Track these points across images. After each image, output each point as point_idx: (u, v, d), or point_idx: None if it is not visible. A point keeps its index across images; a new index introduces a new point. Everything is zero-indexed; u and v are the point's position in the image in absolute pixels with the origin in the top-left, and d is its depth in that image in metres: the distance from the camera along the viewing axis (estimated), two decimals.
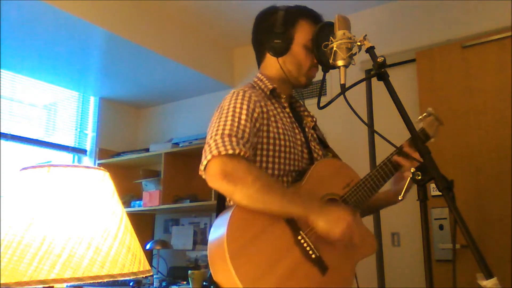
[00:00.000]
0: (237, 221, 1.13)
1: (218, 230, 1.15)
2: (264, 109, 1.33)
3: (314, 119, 1.55)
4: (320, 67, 1.46)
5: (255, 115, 1.29)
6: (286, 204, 1.17)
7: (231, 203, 1.28)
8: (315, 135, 1.50)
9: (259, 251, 1.11)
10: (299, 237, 1.18)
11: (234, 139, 1.19)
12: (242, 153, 1.17)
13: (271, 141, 1.32)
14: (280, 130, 1.34)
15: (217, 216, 1.26)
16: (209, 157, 1.16)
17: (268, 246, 1.13)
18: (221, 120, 1.25)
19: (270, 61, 1.48)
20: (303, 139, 1.41)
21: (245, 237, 1.12)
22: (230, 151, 1.15)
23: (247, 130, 1.24)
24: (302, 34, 1.44)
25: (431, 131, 1.44)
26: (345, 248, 1.26)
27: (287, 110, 1.45)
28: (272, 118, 1.34)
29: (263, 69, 1.51)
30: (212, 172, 1.15)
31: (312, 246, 1.19)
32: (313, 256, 1.18)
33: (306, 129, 1.48)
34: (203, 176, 1.20)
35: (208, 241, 1.17)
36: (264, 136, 1.31)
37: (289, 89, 1.51)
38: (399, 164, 1.38)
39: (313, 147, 1.45)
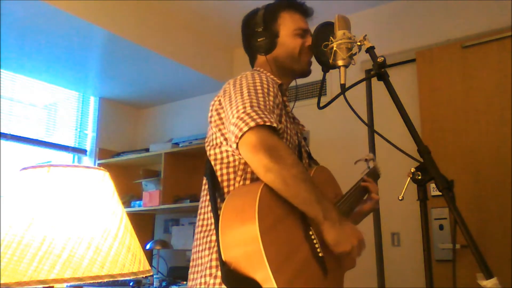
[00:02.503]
0: (266, 199, 1.05)
1: (244, 197, 1.07)
2: (280, 99, 1.30)
3: (304, 128, 1.53)
4: (320, 67, 1.46)
5: (276, 101, 1.25)
6: (312, 202, 1.11)
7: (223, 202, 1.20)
8: (303, 143, 1.47)
9: (280, 237, 1.05)
10: (310, 232, 1.15)
11: (273, 115, 1.13)
12: (281, 131, 1.11)
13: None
14: (284, 126, 1.30)
15: (216, 218, 1.18)
16: (252, 124, 1.06)
17: (285, 235, 1.08)
18: (251, 93, 1.16)
19: (261, 60, 1.45)
20: (296, 142, 1.39)
21: (272, 218, 1.05)
22: (274, 124, 1.08)
23: (275, 112, 1.19)
24: (286, 26, 1.43)
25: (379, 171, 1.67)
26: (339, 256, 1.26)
27: (288, 109, 1.41)
28: (283, 111, 1.31)
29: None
30: (254, 141, 1.05)
31: (319, 244, 1.16)
32: (320, 254, 1.15)
33: (299, 134, 1.45)
34: (233, 148, 1.11)
35: (226, 203, 1.09)
36: None
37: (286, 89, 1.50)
38: (367, 188, 1.51)
39: (303, 153, 1.42)
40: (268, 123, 1.07)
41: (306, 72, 1.48)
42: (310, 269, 1.11)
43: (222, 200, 1.22)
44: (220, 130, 1.26)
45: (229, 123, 1.14)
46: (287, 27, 1.44)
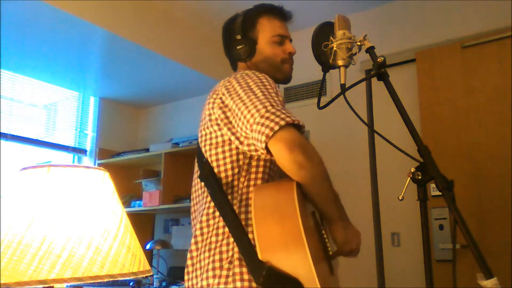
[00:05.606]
0: (298, 197, 1.06)
1: (278, 193, 1.07)
2: None
3: None
4: (320, 67, 1.46)
5: (280, 98, 1.26)
6: (332, 201, 1.16)
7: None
8: None
9: (313, 235, 1.08)
10: (323, 232, 1.19)
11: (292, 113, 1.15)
12: (303, 129, 1.13)
13: None
14: None
15: (232, 219, 1.16)
16: (282, 122, 1.08)
17: (312, 234, 1.09)
18: (265, 93, 1.17)
19: (242, 66, 1.46)
20: None
21: (305, 216, 1.07)
22: (301, 122, 1.11)
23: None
24: (264, 33, 1.43)
25: None
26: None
27: None
28: None
29: None
30: (288, 139, 1.07)
31: (329, 244, 1.20)
32: (330, 253, 1.19)
33: None
34: (260, 147, 1.10)
35: (256, 202, 1.08)
36: None
37: None
38: None
39: None
40: (296, 122, 1.10)
41: (288, 79, 1.48)
42: (324, 267, 1.13)
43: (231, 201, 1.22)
44: (229, 129, 1.23)
45: (251, 123, 1.13)
46: (265, 33, 1.43)
